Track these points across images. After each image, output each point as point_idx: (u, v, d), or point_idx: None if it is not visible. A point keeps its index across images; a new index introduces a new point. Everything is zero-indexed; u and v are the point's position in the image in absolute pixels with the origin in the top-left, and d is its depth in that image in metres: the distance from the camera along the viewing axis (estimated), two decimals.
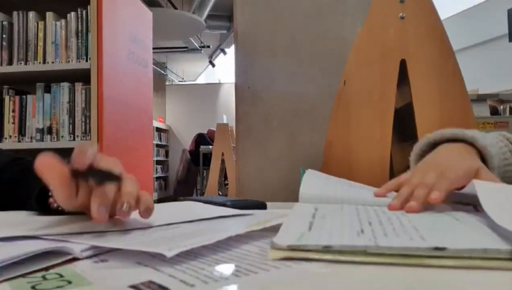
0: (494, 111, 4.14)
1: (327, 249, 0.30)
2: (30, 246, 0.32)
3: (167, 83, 9.52)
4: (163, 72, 9.17)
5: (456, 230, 0.36)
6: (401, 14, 1.04)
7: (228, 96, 8.61)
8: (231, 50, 7.97)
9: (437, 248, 0.28)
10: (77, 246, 0.33)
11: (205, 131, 7.12)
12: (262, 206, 0.65)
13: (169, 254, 0.28)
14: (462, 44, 6.97)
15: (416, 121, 1.02)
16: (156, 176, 7.90)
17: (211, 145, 6.87)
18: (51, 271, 0.29)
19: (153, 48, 2.63)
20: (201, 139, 6.92)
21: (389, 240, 0.32)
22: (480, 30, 7.27)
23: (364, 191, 0.59)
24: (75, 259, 0.32)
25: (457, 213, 0.44)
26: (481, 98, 2.92)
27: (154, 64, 5.74)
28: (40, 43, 1.97)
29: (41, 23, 1.98)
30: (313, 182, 0.60)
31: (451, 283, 0.26)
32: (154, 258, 0.30)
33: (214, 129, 7.08)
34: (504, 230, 0.29)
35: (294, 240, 0.32)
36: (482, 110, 2.84)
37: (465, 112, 1.02)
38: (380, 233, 0.34)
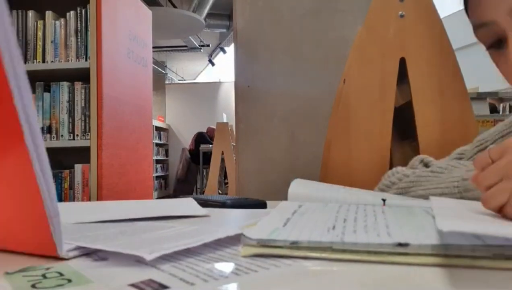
0: (493, 110, 4.15)
1: (295, 245, 0.30)
2: None
3: (166, 82, 9.52)
4: (162, 71, 9.16)
5: (428, 227, 0.35)
6: (400, 12, 1.04)
7: (228, 95, 8.61)
8: (230, 49, 7.97)
9: (400, 244, 0.28)
10: (60, 246, 0.32)
11: (205, 130, 7.12)
12: (262, 204, 0.65)
13: (149, 257, 0.28)
14: (462, 42, 6.96)
15: (415, 119, 1.02)
16: (156, 175, 7.90)
17: (211, 143, 6.88)
18: (51, 269, 0.29)
19: (153, 47, 2.63)
20: (201, 138, 6.92)
21: (356, 236, 0.32)
22: None
23: (354, 192, 0.58)
24: (73, 258, 0.32)
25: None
26: (481, 96, 2.92)
27: (153, 63, 5.74)
28: (40, 42, 1.97)
29: (40, 22, 1.98)
30: (302, 183, 0.60)
31: (416, 282, 0.26)
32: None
33: (214, 127, 7.10)
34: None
35: (264, 235, 0.32)
36: (482, 108, 2.83)
37: (465, 110, 1.02)
38: (350, 229, 0.34)
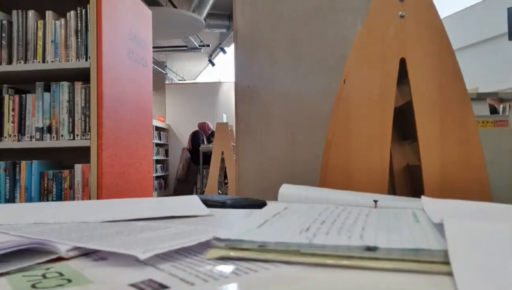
0: (493, 110, 4.14)
1: (262, 247, 0.30)
2: (12, 242, 0.31)
3: (166, 82, 9.52)
4: (162, 71, 9.16)
5: (404, 231, 0.34)
6: (401, 12, 1.04)
7: (228, 95, 8.62)
8: (230, 49, 7.97)
9: (368, 248, 0.28)
10: (61, 246, 0.32)
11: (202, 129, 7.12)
12: (262, 205, 0.65)
13: (143, 256, 0.28)
14: (462, 43, 6.96)
15: (415, 119, 1.02)
16: (156, 175, 7.90)
17: (205, 138, 6.87)
18: (51, 269, 0.29)
19: (153, 47, 2.63)
20: (196, 137, 6.92)
21: (326, 238, 0.30)
22: (479, 28, 7.27)
23: (347, 193, 0.58)
24: (72, 257, 0.32)
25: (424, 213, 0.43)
26: (481, 97, 2.92)
27: (153, 63, 5.74)
28: (40, 42, 1.97)
29: (40, 22, 1.98)
30: (292, 186, 0.60)
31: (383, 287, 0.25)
32: (154, 256, 0.30)
33: (205, 121, 7.09)
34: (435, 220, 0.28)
35: (234, 236, 0.31)
36: (482, 109, 2.83)
37: (465, 110, 1.02)
38: (323, 231, 0.33)
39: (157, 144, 8.20)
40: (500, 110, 3.94)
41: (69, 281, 0.26)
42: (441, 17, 1.05)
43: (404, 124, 1.07)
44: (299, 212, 0.42)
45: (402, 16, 1.04)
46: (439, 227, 0.35)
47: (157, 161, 8.14)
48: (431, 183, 0.98)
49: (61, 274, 0.28)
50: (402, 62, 1.04)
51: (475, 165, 0.96)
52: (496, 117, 2.85)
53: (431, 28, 1.04)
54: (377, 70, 1.05)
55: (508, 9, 5.30)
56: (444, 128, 1.01)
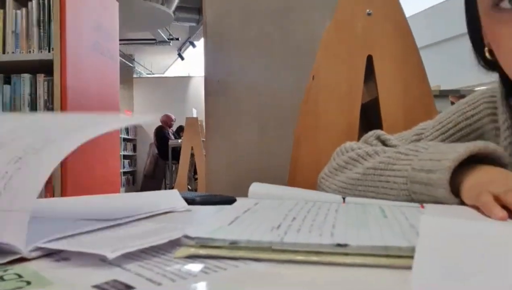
0: None
1: (234, 245, 0.30)
2: None
3: (134, 75, 9.32)
4: (130, 64, 8.96)
5: (372, 227, 0.34)
6: (368, 10, 1.06)
7: (198, 89, 8.53)
8: (200, 43, 7.88)
9: (339, 245, 0.28)
10: (23, 245, 0.31)
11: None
12: (232, 201, 0.64)
13: (111, 255, 0.28)
14: (426, 42, 7.18)
15: (381, 115, 1.04)
16: (124, 171, 7.75)
17: (171, 133, 6.80)
18: (9, 271, 0.28)
19: (120, 40, 2.56)
20: (160, 133, 6.83)
21: (297, 236, 0.31)
22: (442, 28, 7.51)
23: (316, 193, 0.58)
24: (34, 258, 0.31)
25: (392, 208, 0.43)
26: (443, 94, 3.03)
27: (121, 56, 5.60)
28: (0, 33, 1.88)
29: (0, 12, 1.89)
30: (262, 185, 0.60)
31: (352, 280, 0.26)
32: (120, 256, 0.30)
33: (167, 114, 7.00)
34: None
35: (204, 233, 0.31)
36: (444, 106, 2.94)
37: (428, 107, 1.06)
38: (294, 229, 0.33)
39: (124, 139, 8.02)
40: None
41: (28, 283, 0.25)
42: (407, 15, 1.08)
43: (370, 120, 1.09)
44: (269, 208, 0.42)
45: (369, 14, 1.06)
46: (406, 222, 0.36)
47: (125, 157, 7.98)
48: None
49: (20, 276, 0.26)
50: (369, 59, 1.06)
51: None
52: None
53: (397, 26, 1.06)
54: (345, 66, 1.07)
55: None
56: (408, 124, 1.04)
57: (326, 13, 1.54)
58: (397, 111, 1.04)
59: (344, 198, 0.53)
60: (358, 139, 1.05)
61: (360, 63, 1.06)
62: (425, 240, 0.27)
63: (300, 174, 1.12)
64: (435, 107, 1.07)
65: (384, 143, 0.70)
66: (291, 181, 1.12)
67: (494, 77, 0.60)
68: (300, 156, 1.11)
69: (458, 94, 3.58)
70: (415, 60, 1.05)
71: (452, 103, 3.56)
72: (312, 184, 0.80)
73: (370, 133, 0.73)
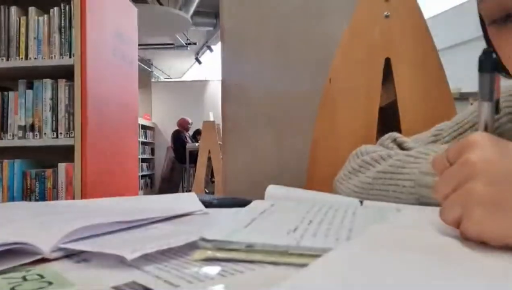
0: None
1: (250, 248, 0.29)
2: None
3: (153, 80, 9.44)
4: (148, 68, 9.08)
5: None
6: (386, 12, 1.05)
7: (215, 93, 8.58)
8: (217, 47, 7.94)
9: None
10: (45, 246, 0.32)
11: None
12: (248, 204, 0.64)
13: (130, 257, 0.28)
14: (445, 43, 7.07)
15: (400, 118, 1.03)
16: (142, 174, 7.84)
17: (188, 136, 6.84)
18: (31, 271, 0.28)
19: (139, 45, 2.60)
20: (177, 137, 6.89)
21: (314, 240, 0.30)
22: (462, 29, 7.38)
23: (334, 197, 0.57)
24: (55, 259, 0.31)
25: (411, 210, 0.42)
26: (463, 97, 2.97)
27: (139, 60, 5.68)
28: (22, 39, 1.93)
29: (23, 19, 1.94)
30: (279, 187, 0.59)
31: None
32: (139, 258, 0.30)
33: (183, 117, 7.06)
34: None
35: (221, 236, 0.31)
36: (465, 109, 2.88)
37: (448, 110, 1.04)
38: (310, 232, 0.32)
39: (143, 143, 8.13)
40: None
41: (50, 283, 0.26)
42: (425, 17, 1.06)
43: (389, 123, 1.08)
44: (286, 210, 0.42)
45: (387, 16, 1.05)
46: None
47: (143, 160, 8.08)
48: None
49: (41, 277, 0.27)
50: (387, 62, 1.05)
51: None
52: None
53: (416, 28, 1.05)
54: (363, 69, 1.06)
55: None
56: (427, 127, 1.02)
57: (344, 16, 1.53)
58: (416, 114, 1.03)
59: (361, 201, 0.53)
60: (376, 142, 1.04)
61: (378, 66, 1.05)
62: (343, 247, 0.27)
63: (318, 178, 1.11)
64: (456, 110, 1.05)
65: (400, 145, 0.69)
66: (309, 184, 1.12)
67: None
68: (317, 159, 1.11)
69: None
70: (435, 63, 1.04)
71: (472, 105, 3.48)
72: (330, 187, 0.79)
73: (386, 136, 0.73)
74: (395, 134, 0.72)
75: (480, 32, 0.60)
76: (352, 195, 0.65)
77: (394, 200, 0.56)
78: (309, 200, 0.51)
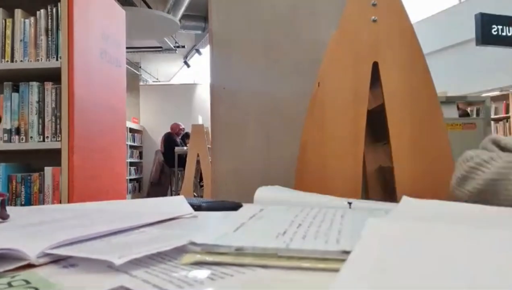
0: (466, 114, 4.28)
1: (240, 252, 0.29)
2: None
3: (141, 83, 9.38)
4: (137, 72, 9.02)
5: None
6: (373, 17, 1.06)
7: (203, 96, 8.57)
8: (206, 51, 7.93)
9: (345, 252, 0.28)
10: (31, 251, 0.31)
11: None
12: (237, 207, 0.64)
13: (118, 262, 0.28)
14: (432, 48, 7.17)
15: (388, 122, 1.04)
16: (130, 178, 7.77)
17: (179, 140, 6.81)
18: (17, 277, 0.28)
19: (127, 48, 2.58)
20: (169, 139, 6.85)
21: (303, 243, 0.31)
22: (448, 34, 7.50)
23: (323, 197, 0.58)
24: (41, 265, 0.31)
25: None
26: (450, 100, 3.02)
27: (127, 64, 5.65)
28: (8, 41, 1.90)
29: (9, 21, 1.91)
30: (270, 188, 0.60)
31: None
32: (127, 263, 0.30)
33: (176, 122, 7.03)
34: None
35: (210, 240, 0.31)
36: (451, 112, 2.93)
37: (435, 113, 1.05)
38: (300, 235, 0.33)
39: (131, 146, 8.06)
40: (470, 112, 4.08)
41: (36, 289, 0.25)
42: (412, 22, 1.08)
43: (376, 127, 1.09)
44: (275, 214, 0.42)
45: (374, 21, 1.06)
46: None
47: (131, 164, 8.01)
48: (403, 184, 1.00)
49: (27, 282, 0.27)
50: (375, 66, 1.06)
51: (445, 166, 0.99)
52: (464, 120, 2.95)
53: (403, 33, 1.06)
54: (351, 73, 1.07)
55: (476, 15, 5.50)
56: (415, 130, 1.04)
57: (332, 20, 1.54)
58: (404, 117, 1.04)
59: (350, 203, 0.53)
60: (365, 146, 1.05)
61: (365, 70, 1.06)
62: (362, 245, 0.27)
63: (306, 181, 1.11)
64: (442, 113, 1.06)
65: (500, 146, 0.71)
66: (298, 187, 1.12)
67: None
68: (306, 162, 1.11)
69: (465, 100, 3.56)
70: (421, 67, 1.05)
71: (459, 109, 3.54)
72: (318, 190, 0.79)
73: (486, 139, 0.75)
74: (494, 136, 0.74)
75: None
76: (470, 201, 0.68)
77: (508, 203, 0.59)
78: (298, 202, 0.52)
